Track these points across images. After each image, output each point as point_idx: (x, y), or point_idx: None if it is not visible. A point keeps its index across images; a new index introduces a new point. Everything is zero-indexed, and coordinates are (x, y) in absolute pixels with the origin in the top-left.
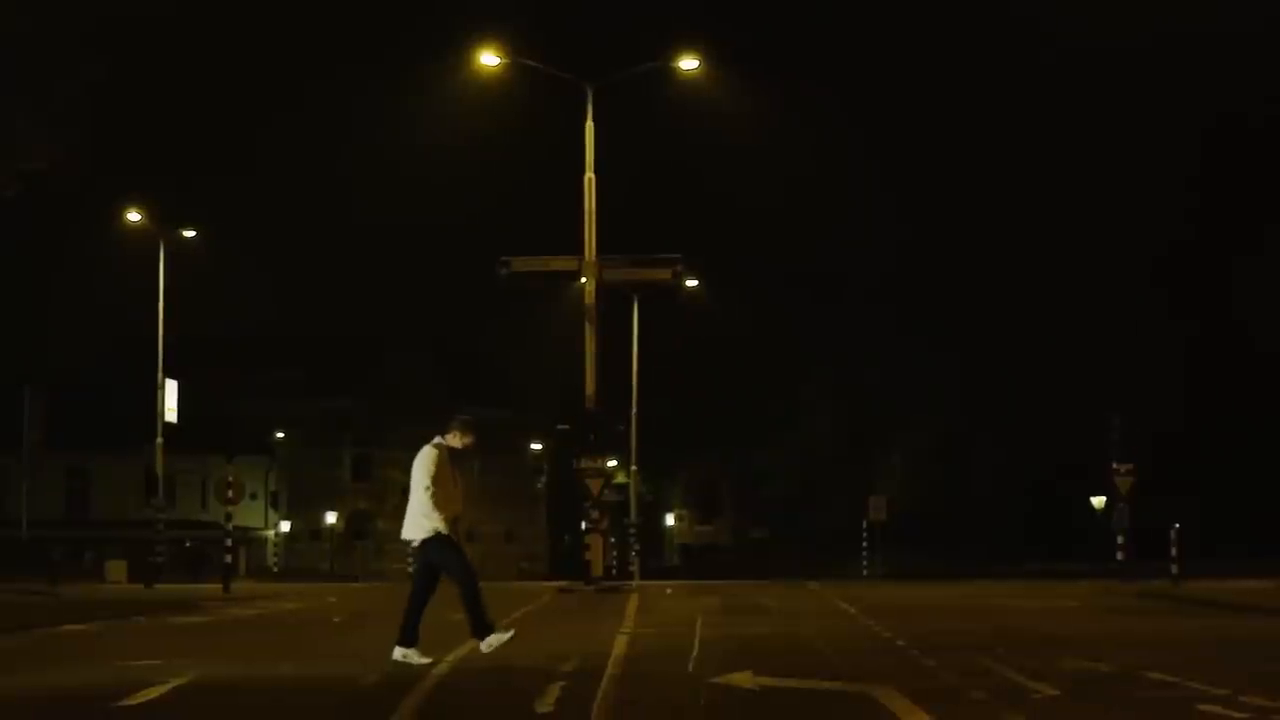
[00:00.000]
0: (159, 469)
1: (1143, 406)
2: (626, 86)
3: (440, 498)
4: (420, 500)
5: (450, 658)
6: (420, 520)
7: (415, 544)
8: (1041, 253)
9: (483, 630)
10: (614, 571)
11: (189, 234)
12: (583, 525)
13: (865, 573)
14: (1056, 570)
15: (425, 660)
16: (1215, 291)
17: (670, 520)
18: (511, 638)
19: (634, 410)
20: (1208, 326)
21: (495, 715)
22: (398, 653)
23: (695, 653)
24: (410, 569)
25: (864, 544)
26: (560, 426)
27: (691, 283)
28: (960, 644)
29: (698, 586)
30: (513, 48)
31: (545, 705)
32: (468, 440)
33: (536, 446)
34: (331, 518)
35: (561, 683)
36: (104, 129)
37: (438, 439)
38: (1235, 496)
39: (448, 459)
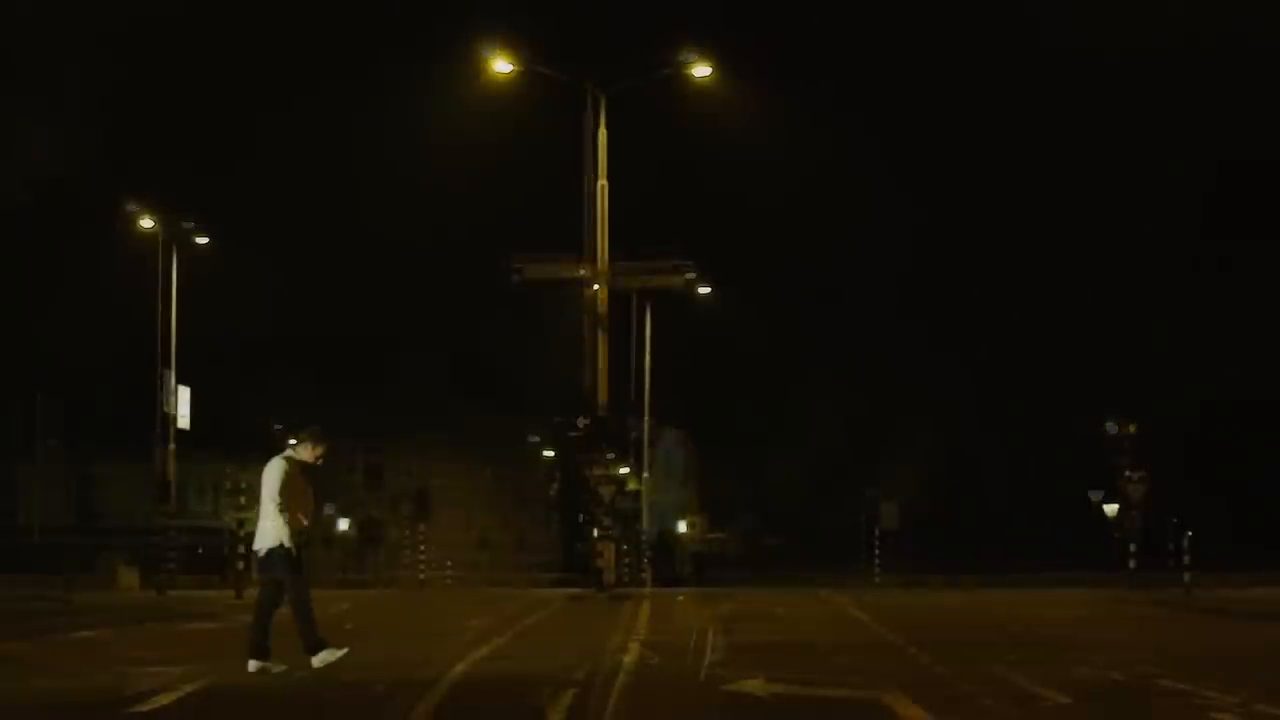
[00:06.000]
0: (170, 475)
1: (1157, 410)
2: (637, 91)
3: (289, 510)
4: (268, 512)
5: (462, 664)
6: (268, 531)
7: (260, 554)
8: (1053, 255)
9: (315, 646)
10: (625, 579)
11: (201, 239)
12: (594, 532)
13: (877, 579)
14: (1070, 578)
15: (281, 667)
16: (1219, 292)
17: (682, 527)
18: (345, 654)
19: (646, 417)
20: (1215, 326)
21: None
22: (252, 665)
23: (707, 660)
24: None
25: (875, 551)
26: (570, 434)
27: (704, 290)
28: (972, 651)
29: (709, 594)
30: (523, 53)
31: (557, 713)
32: (319, 452)
33: (549, 453)
34: (343, 524)
35: (574, 690)
36: (115, 134)
37: (288, 451)
38: (1253, 502)
39: (299, 471)
